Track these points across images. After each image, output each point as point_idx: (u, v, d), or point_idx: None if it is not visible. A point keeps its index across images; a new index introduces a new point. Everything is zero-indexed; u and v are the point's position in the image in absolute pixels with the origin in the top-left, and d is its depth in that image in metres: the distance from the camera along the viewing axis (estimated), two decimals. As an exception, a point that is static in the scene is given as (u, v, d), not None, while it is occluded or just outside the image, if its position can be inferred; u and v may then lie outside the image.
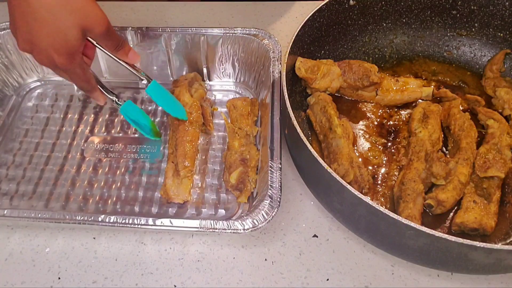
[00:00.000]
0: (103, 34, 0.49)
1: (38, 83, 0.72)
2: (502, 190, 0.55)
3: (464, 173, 0.54)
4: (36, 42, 0.47)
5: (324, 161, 0.46)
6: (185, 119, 0.61)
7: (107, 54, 0.55)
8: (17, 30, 0.48)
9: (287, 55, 0.56)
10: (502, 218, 0.54)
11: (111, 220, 0.50)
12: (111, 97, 0.59)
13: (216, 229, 0.49)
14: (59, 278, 0.52)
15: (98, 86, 0.57)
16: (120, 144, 0.64)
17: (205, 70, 0.70)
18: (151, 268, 0.52)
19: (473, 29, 0.69)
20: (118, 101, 0.60)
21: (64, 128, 0.66)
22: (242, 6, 0.84)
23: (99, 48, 0.55)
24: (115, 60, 0.56)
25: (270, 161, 0.53)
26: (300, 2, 0.84)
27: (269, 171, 0.52)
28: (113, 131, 0.66)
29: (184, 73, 0.71)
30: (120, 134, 0.65)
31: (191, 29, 0.66)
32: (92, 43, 0.54)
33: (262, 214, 0.49)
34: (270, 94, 0.60)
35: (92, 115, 0.68)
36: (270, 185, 0.51)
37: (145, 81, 0.59)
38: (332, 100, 0.62)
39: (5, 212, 0.51)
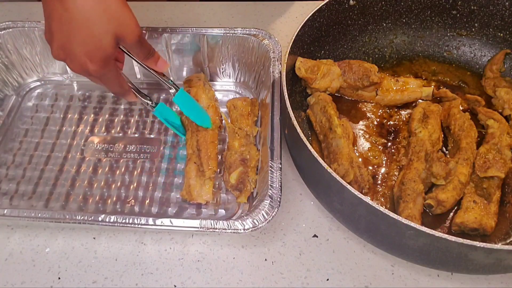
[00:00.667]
0: (135, 43, 0.50)
1: (38, 83, 0.72)
2: (502, 190, 0.55)
3: (464, 173, 0.54)
4: (71, 48, 0.47)
5: (324, 161, 0.46)
6: (209, 127, 0.61)
7: (136, 61, 0.55)
8: (52, 36, 0.48)
9: (287, 55, 0.56)
10: (502, 218, 0.54)
11: (111, 220, 0.50)
12: (145, 101, 0.59)
13: (216, 229, 0.49)
14: (59, 278, 0.52)
15: (132, 89, 0.57)
16: (120, 144, 0.64)
17: (205, 70, 0.70)
18: (151, 268, 0.52)
19: (473, 29, 0.69)
20: (152, 103, 0.60)
21: (64, 128, 0.66)
22: (242, 6, 0.84)
23: (129, 56, 0.55)
24: (144, 67, 0.56)
25: (270, 161, 0.53)
26: (300, 2, 0.84)
27: (269, 171, 0.52)
28: (113, 131, 0.66)
29: (184, 73, 0.71)
30: (120, 134, 0.65)
31: (191, 29, 0.66)
32: (123, 51, 0.54)
33: (262, 214, 0.49)
34: (270, 94, 0.60)
35: (92, 115, 0.68)
36: (270, 185, 0.51)
37: (173, 90, 0.59)
38: (332, 100, 0.62)
39: (5, 211, 0.51)
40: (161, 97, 0.70)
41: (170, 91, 0.59)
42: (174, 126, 0.63)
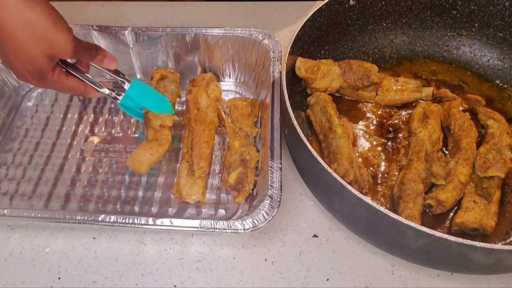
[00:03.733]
0: (70, 57, 0.50)
1: (38, 83, 0.72)
2: (502, 190, 0.55)
3: (464, 173, 0.54)
4: (11, 63, 0.49)
5: (324, 161, 0.46)
6: (170, 113, 0.59)
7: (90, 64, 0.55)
8: None
9: (287, 55, 0.56)
10: (502, 218, 0.54)
11: (111, 220, 0.50)
12: (105, 92, 0.56)
13: (216, 229, 0.49)
14: (59, 278, 0.52)
15: (91, 85, 0.55)
16: (120, 144, 0.64)
17: (205, 70, 0.70)
18: (151, 268, 0.52)
19: (473, 29, 0.69)
20: (116, 93, 0.56)
21: (64, 128, 0.66)
22: (242, 6, 0.84)
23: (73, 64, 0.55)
24: (96, 67, 0.55)
25: (270, 161, 0.53)
26: (300, 2, 0.84)
27: (269, 171, 0.52)
28: (113, 131, 0.66)
29: (184, 73, 0.71)
30: (120, 134, 0.65)
31: (191, 29, 0.66)
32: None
33: (262, 214, 0.49)
34: (270, 94, 0.60)
35: (92, 115, 0.68)
36: (270, 185, 0.51)
37: (125, 84, 0.57)
38: (332, 100, 0.62)
39: (5, 211, 0.51)
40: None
41: (124, 86, 0.57)
42: (152, 104, 0.58)
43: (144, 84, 0.58)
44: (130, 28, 0.66)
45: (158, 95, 0.60)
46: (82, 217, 0.50)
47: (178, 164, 0.61)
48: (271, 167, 0.53)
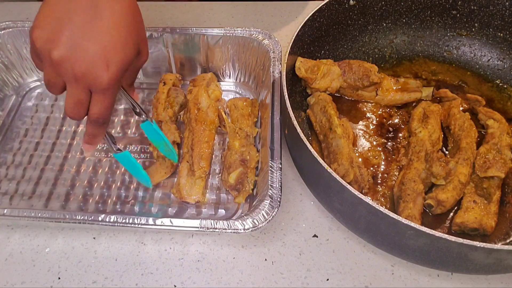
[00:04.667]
0: (142, 64, 0.48)
1: (38, 83, 0.72)
2: (502, 190, 0.55)
3: (464, 173, 0.54)
4: (84, 47, 0.41)
5: (324, 161, 0.46)
6: (176, 161, 0.59)
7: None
8: (60, 30, 0.41)
9: (287, 55, 0.56)
10: (502, 218, 0.54)
11: (111, 220, 0.50)
12: (111, 144, 0.52)
13: (216, 228, 0.49)
14: (59, 278, 0.52)
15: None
16: (120, 144, 0.64)
17: (205, 70, 0.70)
18: (151, 268, 0.52)
19: (473, 29, 0.69)
20: (116, 147, 0.53)
21: (64, 128, 0.66)
22: (242, 6, 0.84)
23: None
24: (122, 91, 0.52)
25: (270, 161, 0.53)
26: (300, 2, 0.84)
27: (269, 171, 0.52)
28: (113, 131, 0.66)
29: (184, 73, 0.71)
30: (120, 134, 0.65)
31: (191, 29, 0.66)
32: None
33: (262, 214, 0.49)
34: (270, 94, 0.60)
35: (92, 115, 0.68)
36: (270, 185, 0.51)
37: (143, 116, 0.54)
38: (332, 100, 0.62)
39: (5, 211, 0.51)
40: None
41: (141, 117, 0.54)
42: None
43: (153, 126, 0.55)
44: (130, 28, 0.66)
45: (165, 142, 0.57)
46: (82, 217, 0.50)
47: (179, 164, 0.61)
48: (271, 167, 0.53)
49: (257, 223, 0.49)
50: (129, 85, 0.53)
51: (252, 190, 0.57)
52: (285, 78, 0.54)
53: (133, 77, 0.53)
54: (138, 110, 0.54)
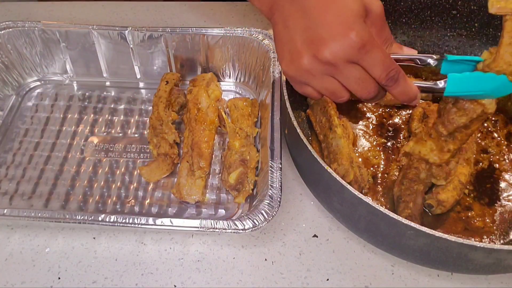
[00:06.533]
0: (381, 11, 0.42)
1: (38, 83, 0.72)
2: (502, 189, 0.55)
3: (464, 173, 0.54)
4: (320, 32, 0.39)
5: (324, 161, 0.46)
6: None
7: None
8: (292, 38, 0.41)
9: (287, 55, 0.56)
10: (502, 218, 0.54)
11: (111, 220, 0.50)
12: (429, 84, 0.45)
13: (216, 228, 0.49)
14: (59, 278, 0.52)
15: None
16: (120, 144, 0.64)
17: (205, 70, 0.70)
18: (151, 268, 0.52)
19: (473, 29, 0.68)
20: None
21: (64, 128, 0.66)
22: (242, 6, 0.84)
23: None
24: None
25: (270, 161, 0.53)
26: (300, 2, 0.84)
27: (269, 171, 0.52)
28: (113, 131, 0.66)
29: (184, 73, 0.71)
30: (120, 134, 0.65)
31: (191, 29, 0.66)
32: None
33: (262, 214, 0.49)
34: (270, 94, 0.60)
35: (92, 115, 0.68)
36: (270, 185, 0.51)
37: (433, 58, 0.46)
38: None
39: (5, 211, 0.51)
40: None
41: (432, 60, 0.46)
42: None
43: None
44: (130, 28, 0.66)
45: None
46: (82, 217, 0.50)
47: (178, 164, 0.61)
48: (271, 167, 0.53)
49: (257, 223, 0.49)
50: (386, 39, 0.46)
51: (252, 190, 0.57)
52: (285, 78, 0.54)
53: (384, 31, 0.45)
54: (420, 61, 0.46)
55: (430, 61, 0.46)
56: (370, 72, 0.41)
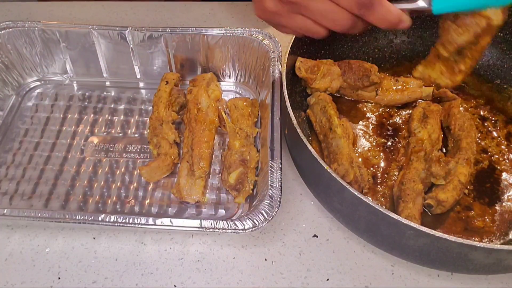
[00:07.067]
0: None
1: (38, 83, 0.72)
2: (502, 188, 0.55)
3: (464, 173, 0.54)
4: None
5: (324, 161, 0.46)
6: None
7: None
8: None
9: (287, 55, 0.56)
10: (502, 218, 0.54)
11: (111, 220, 0.50)
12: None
13: (216, 228, 0.49)
14: (59, 278, 0.52)
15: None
16: (120, 144, 0.64)
17: (205, 70, 0.70)
18: (151, 268, 0.52)
19: (473, 29, 0.68)
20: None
21: (64, 128, 0.66)
22: (242, 6, 0.84)
23: None
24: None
25: (270, 161, 0.53)
26: (300, 2, 0.84)
27: (269, 171, 0.52)
28: (113, 131, 0.66)
29: (184, 73, 0.71)
30: (120, 134, 0.65)
31: (191, 29, 0.66)
32: None
33: (262, 214, 0.49)
34: (270, 94, 0.60)
35: (92, 115, 0.68)
36: (270, 185, 0.51)
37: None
38: (332, 100, 0.62)
39: (5, 211, 0.51)
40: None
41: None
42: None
43: None
44: (130, 28, 0.66)
45: None
46: (82, 217, 0.50)
47: (178, 164, 0.61)
48: (271, 167, 0.53)
49: (257, 223, 0.49)
50: None
51: (252, 190, 0.57)
52: (285, 78, 0.54)
53: None
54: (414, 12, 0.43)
55: (420, 2, 0.43)
56: (338, 3, 0.40)
